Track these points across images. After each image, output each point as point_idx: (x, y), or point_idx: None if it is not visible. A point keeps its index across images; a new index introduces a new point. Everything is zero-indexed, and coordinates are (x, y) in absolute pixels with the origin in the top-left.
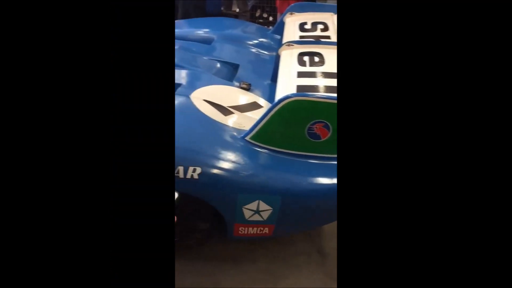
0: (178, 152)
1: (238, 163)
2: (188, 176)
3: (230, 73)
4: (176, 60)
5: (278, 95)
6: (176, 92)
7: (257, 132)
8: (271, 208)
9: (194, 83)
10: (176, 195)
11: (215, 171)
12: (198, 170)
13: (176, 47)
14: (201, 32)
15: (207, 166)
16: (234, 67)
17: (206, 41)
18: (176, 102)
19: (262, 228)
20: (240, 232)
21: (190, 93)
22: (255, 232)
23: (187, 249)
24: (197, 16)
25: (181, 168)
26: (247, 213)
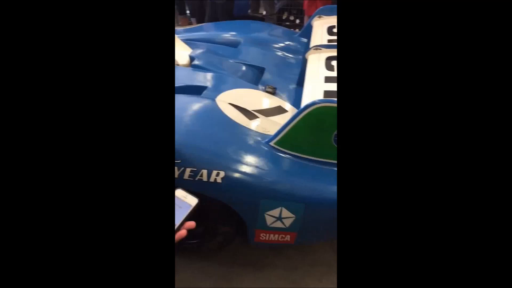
0: (202, 155)
1: (262, 169)
2: (212, 179)
3: (255, 77)
4: (202, 63)
5: (305, 100)
6: (201, 95)
7: (282, 138)
8: (294, 216)
9: (219, 86)
10: (196, 200)
11: (239, 175)
12: (222, 174)
13: (203, 50)
14: (228, 35)
15: (230, 170)
16: (260, 70)
17: (233, 44)
18: (202, 105)
19: (284, 236)
20: (261, 238)
21: (216, 96)
22: (276, 239)
23: (207, 252)
24: (224, 19)
25: (205, 172)
26: (269, 220)
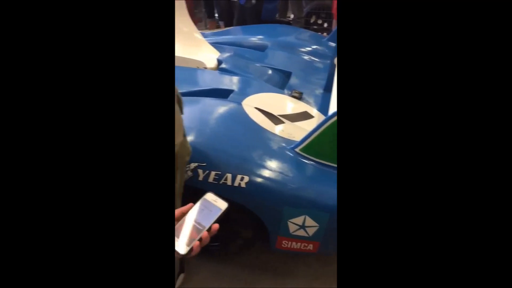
0: (227, 159)
1: (286, 175)
2: (236, 184)
3: (282, 81)
4: (230, 67)
5: (333, 107)
6: (228, 99)
7: (308, 144)
8: (317, 225)
9: (246, 90)
10: (226, 205)
11: (263, 181)
12: (246, 178)
13: (230, 54)
14: (255, 39)
15: (254, 175)
16: (286, 74)
17: (260, 48)
18: (228, 108)
19: (306, 244)
20: (283, 245)
21: (242, 100)
22: (298, 247)
23: (228, 255)
24: (252, 22)
25: (229, 176)
26: (292, 227)
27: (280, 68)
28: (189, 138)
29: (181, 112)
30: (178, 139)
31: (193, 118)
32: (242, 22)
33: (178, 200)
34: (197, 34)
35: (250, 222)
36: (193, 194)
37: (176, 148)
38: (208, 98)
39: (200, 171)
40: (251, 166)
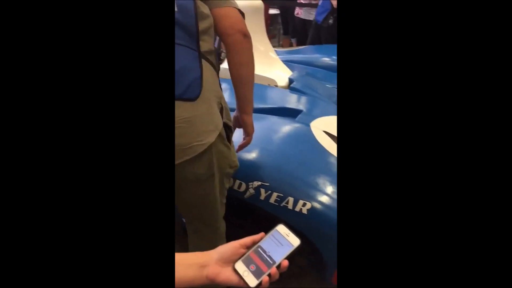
0: (291, 182)
1: None
2: (297, 209)
3: None
4: (300, 86)
5: None
6: (296, 119)
7: None
8: None
9: (315, 111)
10: (298, 242)
11: (326, 210)
12: (308, 205)
13: (302, 73)
14: (329, 59)
15: (317, 202)
16: None
17: (333, 69)
18: (295, 129)
19: None
20: None
21: (311, 121)
22: None
23: (280, 280)
24: (327, 42)
25: (291, 199)
26: None
27: None
28: (253, 155)
29: (222, 117)
30: (208, 139)
31: (259, 136)
32: (316, 41)
33: (221, 208)
34: (272, 53)
35: (306, 250)
36: (248, 210)
37: (206, 146)
38: (275, 116)
39: (262, 190)
40: (315, 192)
